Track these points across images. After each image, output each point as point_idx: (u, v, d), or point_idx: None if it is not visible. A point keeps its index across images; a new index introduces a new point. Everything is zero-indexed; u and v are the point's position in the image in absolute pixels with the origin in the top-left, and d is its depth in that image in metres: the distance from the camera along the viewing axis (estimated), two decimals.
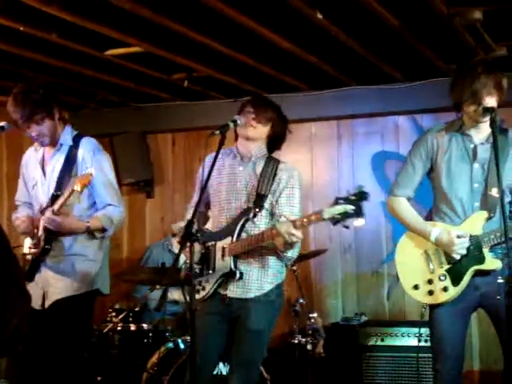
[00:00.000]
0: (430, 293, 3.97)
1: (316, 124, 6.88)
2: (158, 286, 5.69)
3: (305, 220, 3.86)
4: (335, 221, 3.68)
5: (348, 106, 6.64)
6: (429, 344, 5.38)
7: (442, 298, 3.94)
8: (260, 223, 4.13)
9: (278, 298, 4.23)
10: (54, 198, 4.47)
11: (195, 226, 3.99)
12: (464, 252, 3.91)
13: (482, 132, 3.94)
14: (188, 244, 3.78)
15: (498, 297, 3.74)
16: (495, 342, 5.51)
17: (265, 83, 6.51)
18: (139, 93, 6.85)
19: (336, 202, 3.65)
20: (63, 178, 4.49)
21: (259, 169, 4.21)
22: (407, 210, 4.13)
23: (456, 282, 3.92)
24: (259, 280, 4.14)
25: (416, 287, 4.02)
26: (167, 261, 6.25)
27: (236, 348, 4.19)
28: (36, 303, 4.55)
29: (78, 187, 4.20)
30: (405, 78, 6.31)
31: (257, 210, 4.13)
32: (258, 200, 4.15)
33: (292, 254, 4.12)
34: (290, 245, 3.95)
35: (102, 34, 4.94)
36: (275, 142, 4.31)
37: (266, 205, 4.16)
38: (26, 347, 4.50)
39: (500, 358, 5.36)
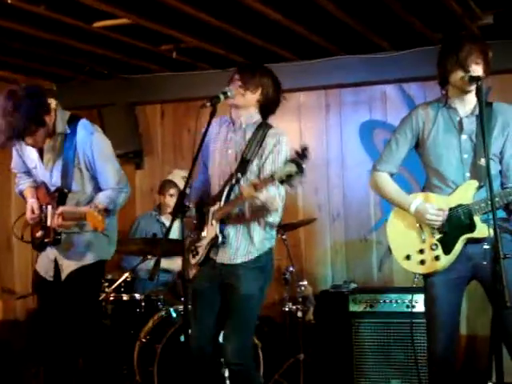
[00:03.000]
0: (422, 262, 4.01)
1: (304, 94, 6.89)
2: (149, 257, 5.77)
3: (261, 182, 3.93)
4: (282, 181, 3.77)
5: (336, 75, 6.65)
6: (418, 310, 5.53)
7: (433, 266, 3.98)
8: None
9: (268, 263, 4.32)
10: (61, 194, 4.49)
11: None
12: (438, 224, 3.96)
13: (467, 104, 3.98)
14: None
15: (485, 262, 3.81)
16: (482, 307, 5.61)
17: (253, 53, 6.52)
18: (128, 64, 6.84)
19: (284, 163, 3.75)
20: (67, 172, 4.49)
21: (249, 135, 4.27)
22: (388, 184, 4.18)
23: (447, 250, 3.96)
24: (246, 246, 4.22)
25: (408, 257, 4.06)
26: (156, 231, 6.31)
27: (229, 314, 4.28)
28: (47, 274, 4.63)
29: (90, 224, 4.27)
30: (392, 47, 6.33)
31: (239, 175, 4.19)
32: (242, 165, 4.22)
33: (273, 219, 4.22)
34: (256, 209, 4.06)
35: (90, 6, 4.94)
36: (268, 107, 4.35)
37: (252, 170, 4.21)
38: (46, 319, 4.63)
39: (486, 324, 5.46)
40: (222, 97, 4.04)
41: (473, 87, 3.83)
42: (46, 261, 4.65)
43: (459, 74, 3.86)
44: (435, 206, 3.99)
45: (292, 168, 3.71)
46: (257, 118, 4.33)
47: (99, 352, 4.68)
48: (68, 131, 4.51)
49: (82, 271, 4.56)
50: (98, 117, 7.09)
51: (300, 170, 3.71)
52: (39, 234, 4.60)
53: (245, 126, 4.29)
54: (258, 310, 4.33)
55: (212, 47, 6.19)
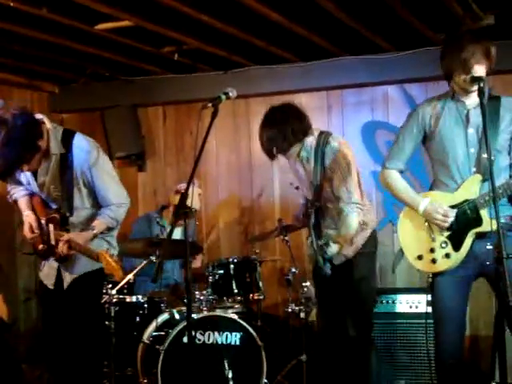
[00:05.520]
0: (434, 261, 4.01)
1: (306, 95, 6.88)
2: (153, 258, 5.77)
3: None
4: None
5: (337, 76, 6.66)
6: (421, 310, 5.55)
7: (444, 264, 3.99)
8: (331, 207, 4.77)
9: (372, 248, 4.91)
10: (63, 218, 4.47)
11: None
12: (446, 226, 3.96)
13: (473, 97, 3.94)
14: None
15: (488, 262, 3.80)
16: (484, 307, 5.61)
17: (254, 55, 6.54)
18: (129, 66, 6.85)
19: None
20: (68, 194, 4.44)
21: (312, 161, 4.75)
22: (398, 183, 4.19)
23: (457, 247, 3.96)
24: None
25: (420, 257, 4.06)
26: (156, 233, 6.33)
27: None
28: (49, 282, 4.62)
29: (104, 268, 4.33)
30: (393, 48, 6.33)
31: (316, 204, 4.76)
32: (315, 192, 4.75)
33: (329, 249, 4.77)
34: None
35: (93, 8, 4.94)
36: (302, 133, 4.80)
37: (325, 194, 4.73)
38: (48, 327, 4.63)
39: (489, 323, 5.46)
40: (223, 97, 4.02)
41: (475, 87, 3.82)
42: (48, 269, 4.65)
43: (462, 76, 3.85)
44: (444, 205, 3.98)
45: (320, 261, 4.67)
46: (310, 141, 4.79)
47: (97, 358, 4.69)
48: (63, 151, 4.44)
49: (85, 278, 4.56)
50: (100, 119, 7.11)
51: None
52: (41, 246, 4.59)
53: (306, 155, 4.77)
54: (369, 291, 4.97)
55: (214, 49, 6.20)
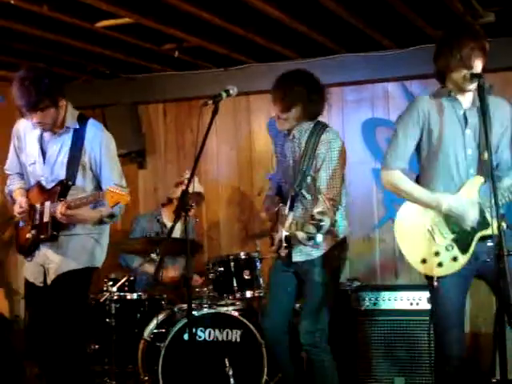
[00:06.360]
0: (440, 264, 3.92)
1: None
2: (153, 256, 5.77)
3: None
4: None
5: (338, 73, 6.64)
6: (421, 307, 5.54)
7: (452, 267, 3.92)
8: (309, 196, 4.59)
9: (337, 252, 4.71)
10: (64, 187, 4.48)
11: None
12: (474, 224, 3.90)
13: (469, 97, 3.94)
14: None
15: (488, 259, 3.80)
16: (485, 304, 5.61)
17: (255, 52, 6.53)
18: (130, 64, 6.85)
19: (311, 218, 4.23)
20: (73, 165, 4.49)
21: (303, 143, 4.58)
22: (407, 183, 4.04)
23: (464, 250, 3.90)
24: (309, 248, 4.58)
25: (424, 261, 3.95)
26: (156, 231, 6.33)
27: (304, 299, 4.73)
28: (37, 280, 4.61)
29: (109, 202, 4.23)
30: (394, 45, 6.33)
31: (297, 189, 4.55)
32: (300, 178, 4.56)
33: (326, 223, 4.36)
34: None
35: (93, 5, 4.95)
36: (314, 111, 4.62)
37: (308, 182, 4.55)
38: (34, 324, 4.62)
39: (489, 320, 5.47)
40: (224, 94, 4.04)
41: (474, 84, 3.81)
42: (34, 266, 4.62)
43: (462, 72, 3.84)
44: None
45: (311, 230, 4.22)
46: (307, 125, 4.60)
47: (83, 354, 4.72)
48: (77, 126, 4.55)
49: (70, 275, 4.54)
50: (101, 116, 7.10)
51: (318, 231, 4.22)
52: (30, 234, 4.58)
53: (298, 135, 4.59)
54: (330, 295, 4.70)
55: (214, 46, 6.20)
